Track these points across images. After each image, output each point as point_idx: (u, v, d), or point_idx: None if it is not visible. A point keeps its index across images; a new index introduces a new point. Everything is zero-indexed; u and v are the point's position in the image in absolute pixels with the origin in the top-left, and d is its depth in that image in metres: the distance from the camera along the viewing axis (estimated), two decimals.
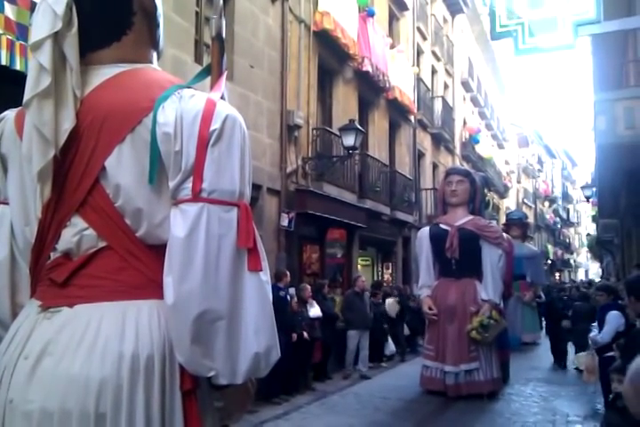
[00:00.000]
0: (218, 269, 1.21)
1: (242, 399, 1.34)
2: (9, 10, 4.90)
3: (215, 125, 1.24)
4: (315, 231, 11.30)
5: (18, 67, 4.92)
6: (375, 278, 14.26)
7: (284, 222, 9.47)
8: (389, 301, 10.73)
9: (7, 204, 1.43)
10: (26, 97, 1.27)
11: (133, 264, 1.28)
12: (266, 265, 1.29)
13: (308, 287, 8.61)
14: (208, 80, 1.48)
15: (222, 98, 1.33)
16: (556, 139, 47.82)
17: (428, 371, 7.62)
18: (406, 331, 11.34)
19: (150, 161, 1.24)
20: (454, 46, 22.76)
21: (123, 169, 1.26)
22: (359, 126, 11.13)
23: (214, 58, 1.47)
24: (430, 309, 7.66)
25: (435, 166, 19.97)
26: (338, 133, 11.26)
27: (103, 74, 1.34)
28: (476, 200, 7.76)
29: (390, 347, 10.69)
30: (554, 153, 46.16)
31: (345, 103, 12.91)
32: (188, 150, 1.23)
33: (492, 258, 7.49)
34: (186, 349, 1.22)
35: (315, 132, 11.29)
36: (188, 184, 1.23)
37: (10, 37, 4.89)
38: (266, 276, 1.28)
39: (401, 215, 15.10)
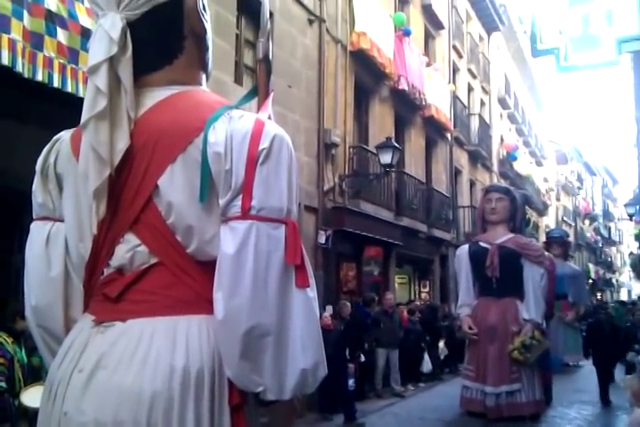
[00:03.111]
0: (266, 285, 1.23)
1: (288, 415, 1.35)
2: (61, 35, 5.07)
3: (264, 145, 1.27)
4: (351, 249, 11.27)
5: (69, 89, 5.07)
6: (412, 297, 14.12)
7: (322, 240, 9.48)
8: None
9: (62, 221, 1.48)
10: (83, 118, 1.32)
11: (184, 280, 1.31)
12: (313, 282, 1.30)
13: (348, 305, 8.59)
14: (255, 102, 1.52)
15: (269, 118, 1.36)
16: (595, 156, 46.98)
17: (468, 392, 7.45)
18: (445, 351, 11.17)
19: (201, 179, 1.28)
20: (490, 64, 22.67)
21: (175, 188, 1.30)
22: (396, 144, 11.12)
23: (261, 79, 1.50)
24: (470, 328, 7.52)
25: (472, 184, 19.79)
26: (374, 151, 11.27)
27: (156, 96, 1.38)
28: (516, 218, 7.63)
29: (427, 365, 10.53)
30: (594, 170, 45.35)
31: (381, 121, 12.94)
32: (238, 169, 1.26)
33: (533, 277, 7.33)
34: (235, 364, 1.23)
35: (351, 150, 11.32)
36: (238, 202, 1.26)
37: (62, 61, 5.05)
38: (313, 292, 1.29)
39: (438, 233, 14.97)
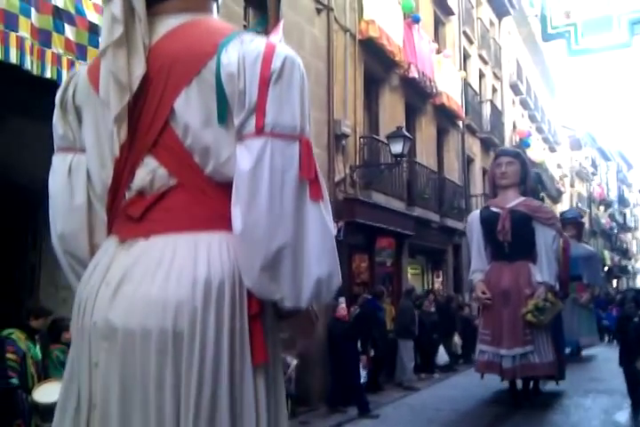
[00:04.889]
0: (282, 198, 1.28)
1: (305, 328, 1.44)
2: (69, 31, 5.06)
3: (276, 65, 1.31)
4: (363, 240, 11.24)
5: None
6: (425, 287, 14.08)
7: (334, 232, 9.43)
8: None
9: (83, 152, 1.54)
10: (102, 46, 1.38)
11: (203, 199, 1.37)
12: (326, 196, 1.36)
13: (369, 297, 8.61)
14: None
15: (280, 41, 1.41)
16: (610, 141, 46.42)
17: (484, 356, 7.42)
18: (459, 341, 11.15)
19: (217, 100, 1.33)
20: (502, 49, 22.41)
21: (190, 110, 1.34)
22: (407, 133, 11.04)
23: (272, 5, 1.57)
24: (484, 293, 7.47)
25: (485, 172, 19.63)
26: (385, 141, 11.20)
27: (169, 23, 1.42)
28: (527, 182, 7.58)
29: (443, 357, 10.52)
30: (608, 155, 44.86)
31: (392, 110, 12.85)
32: (251, 89, 1.30)
33: (545, 239, 7.28)
34: (254, 274, 1.29)
35: (362, 140, 11.26)
36: (252, 120, 1.30)
37: (70, 57, 5.04)
38: (326, 206, 1.35)
39: (451, 223, 14.89)
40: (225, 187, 1.34)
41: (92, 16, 5.28)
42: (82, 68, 1.56)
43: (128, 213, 1.41)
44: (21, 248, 5.60)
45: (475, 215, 8.04)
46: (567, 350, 9.92)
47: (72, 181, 1.54)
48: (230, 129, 1.33)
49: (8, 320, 4.86)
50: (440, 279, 15.48)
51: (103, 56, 1.37)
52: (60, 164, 1.56)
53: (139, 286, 1.31)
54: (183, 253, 1.32)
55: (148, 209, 1.39)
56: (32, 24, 4.83)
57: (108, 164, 1.44)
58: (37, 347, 4.87)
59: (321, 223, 1.32)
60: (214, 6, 1.54)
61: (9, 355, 4.56)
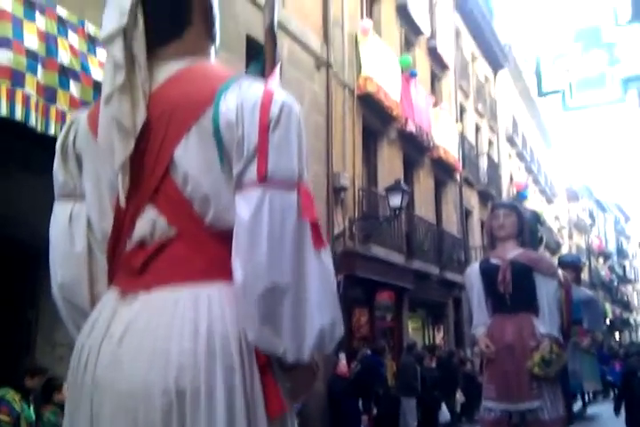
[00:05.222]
0: (282, 247, 1.26)
1: (307, 380, 1.40)
2: (74, 88, 5.12)
3: (274, 112, 1.30)
4: (363, 294, 11.13)
5: None
6: (426, 342, 13.85)
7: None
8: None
9: (83, 199, 1.52)
10: (105, 92, 1.37)
11: (203, 249, 1.35)
12: (327, 244, 1.33)
13: (369, 352, 8.45)
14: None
15: (278, 86, 1.41)
16: (606, 192, 46.84)
17: (490, 414, 7.15)
18: (461, 398, 10.88)
19: (217, 148, 1.32)
20: (497, 103, 22.87)
21: (190, 158, 1.33)
22: (405, 186, 11.11)
23: (268, 49, 1.57)
24: (488, 347, 7.32)
25: (483, 224, 19.68)
26: (384, 194, 11.25)
27: (168, 69, 1.42)
28: (524, 233, 7.56)
29: (445, 415, 10.24)
30: (605, 207, 45.15)
31: (390, 164, 12.97)
32: (250, 137, 1.29)
33: (548, 290, 7.13)
34: (255, 327, 1.27)
35: (361, 193, 11.32)
36: (251, 169, 1.29)
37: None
38: (328, 253, 1.32)
39: (450, 275, 14.80)
40: (225, 235, 1.32)
41: (97, 73, 5.37)
42: (82, 114, 1.54)
43: (129, 265, 1.39)
44: (19, 305, 5.51)
45: (474, 268, 7.97)
46: (575, 408, 9.65)
47: (72, 229, 1.52)
48: (228, 176, 1.32)
49: (3, 379, 4.74)
50: (441, 334, 15.25)
51: (107, 102, 1.36)
52: (60, 211, 1.55)
53: (141, 341, 1.28)
54: (184, 306, 1.29)
55: (148, 260, 1.36)
56: (38, 81, 4.90)
57: (108, 212, 1.43)
58: (31, 408, 4.73)
59: (322, 271, 1.30)
60: (212, 49, 1.55)
61: (2, 416, 4.45)
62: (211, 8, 1.53)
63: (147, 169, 1.37)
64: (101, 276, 1.51)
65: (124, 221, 1.40)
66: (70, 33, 5.26)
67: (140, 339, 1.29)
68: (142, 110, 1.35)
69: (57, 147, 1.54)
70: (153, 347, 1.27)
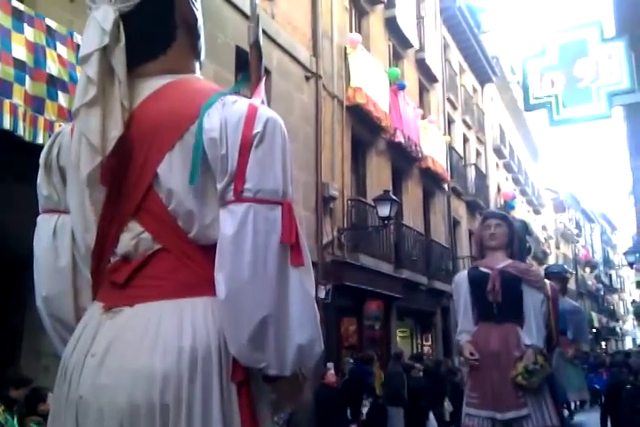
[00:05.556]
0: (265, 264, 1.27)
1: (292, 391, 1.40)
2: (62, 98, 5.14)
3: (257, 128, 1.30)
4: (351, 303, 11.14)
5: None
6: (414, 351, 13.86)
7: (321, 295, 9.36)
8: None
9: (68, 213, 1.51)
10: (74, 107, 1.36)
11: (187, 264, 1.35)
12: (309, 260, 1.34)
13: (351, 361, 8.43)
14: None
15: (262, 102, 1.39)
16: (593, 203, 47.23)
17: (473, 420, 7.14)
18: (450, 407, 10.88)
19: (192, 163, 1.31)
20: (485, 114, 23.06)
21: (174, 175, 1.33)
22: (394, 197, 11.17)
23: (253, 64, 1.54)
24: (472, 354, 7.34)
25: (471, 234, 19.77)
26: (372, 204, 11.31)
27: (151, 85, 1.41)
28: (514, 244, 7.61)
29: (432, 424, 10.23)
30: (592, 217, 45.48)
31: (379, 174, 13.04)
32: (233, 153, 1.29)
33: (534, 302, 7.18)
34: (238, 342, 1.27)
35: (349, 203, 11.36)
36: (234, 186, 1.29)
37: (62, 124, 5.08)
38: (308, 270, 1.33)
39: (439, 285, 14.85)
40: (209, 250, 1.33)
41: None
42: (66, 128, 1.54)
43: (113, 280, 1.38)
44: (3, 313, 5.48)
45: (462, 275, 7.99)
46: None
47: (57, 243, 1.52)
48: (212, 193, 1.33)
49: None
50: (429, 342, 15.27)
51: (76, 117, 1.36)
52: (44, 225, 1.54)
53: (124, 357, 1.28)
54: (168, 321, 1.29)
55: (132, 275, 1.36)
56: (26, 91, 4.92)
57: (91, 227, 1.42)
58: (15, 419, 4.68)
59: (302, 289, 1.31)
60: (197, 65, 1.54)
61: None
62: (195, 23, 1.51)
63: (130, 184, 1.36)
64: (85, 289, 1.50)
65: (107, 235, 1.40)
66: (59, 44, 5.29)
67: (123, 356, 1.28)
68: (118, 125, 1.33)
69: (41, 160, 1.54)
70: (136, 367, 1.26)
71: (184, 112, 1.34)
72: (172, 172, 1.33)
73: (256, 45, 1.53)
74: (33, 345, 5.36)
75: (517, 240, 7.96)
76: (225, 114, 1.31)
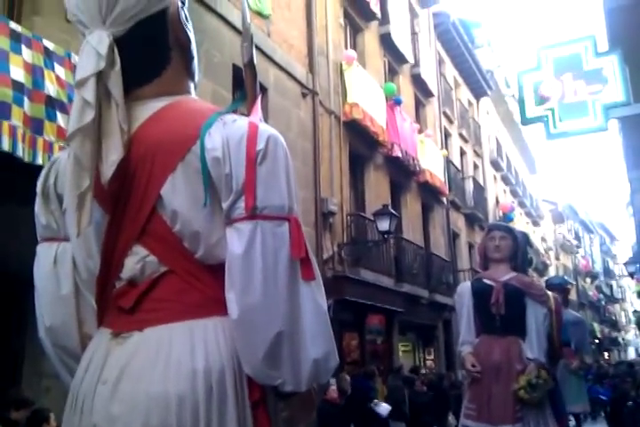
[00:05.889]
0: (276, 281, 1.26)
1: (306, 408, 1.38)
2: (61, 119, 5.16)
3: (260, 146, 1.31)
4: (353, 318, 11.10)
5: None
6: (417, 364, 13.78)
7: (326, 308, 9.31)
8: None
9: (67, 241, 1.49)
10: (69, 130, 1.33)
11: (195, 285, 1.34)
12: (318, 274, 1.34)
13: (348, 378, 8.35)
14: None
15: (260, 120, 1.39)
16: (591, 214, 47.24)
17: None
18: (454, 421, 10.79)
19: (204, 185, 1.31)
20: (481, 128, 23.17)
21: (177, 196, 1.32)
22: (393, 211, 11.19)
23: (248, 83, 1.53)
24: (474, 366, 7.28)
25: (470, 246, 19.77)
26: (372, 218, 11.32)
27: (149, 108, 1.40)
28: (517, 257, 7.58)
29: None
30: (590, 228, 45.50)
31: (377, 188, 13.07)
32: (237, 172, 1.29)
33: (537, 316, 7.14)
34: (253, 360, 1.26)
35: (349, 217, 11.37)
36: (241, 203, 1.29)
37: (62, 144, 5.12)
38: (319, 284, 1.33)
39: (440, 298, 14.81)
40: (216, 270, 1.32)
41: None
42: (62, 155, 1.52)
43: (119, 305, 1.36)
44: (5, 334, 5.45)
45: (466, 286, 7.95)
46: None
47: (58, 270, 1.50)
48: (218, 212, 1.32)
49: None
50: (431, 356, 15.19)
51: (71, 141, 1.33)
52: (44, 254, 1.53)
53: (137, 383, 1.26)
54: (180, 344, 1.28)
55: (140, 299, 1.34)
56: (25, 113, 4.94)
57: (94, 253, 1.40)
58: None
59: (314, 303, 1.30)
60: (192, 86, 1.54)
61: None
62: (188, 45, 1.51)
63: (133, 207, 1.35)
64: (90, 316, 1.49)
65: (111, 260, 1.38)
66: (57, 65, 5.32)
67: (135, 382, 1.26)
68: (118, 148, 1.32)
69: (38, 189, 1.53)
70: (150, 392, 1.25)
71: (184, 133, 1.34)
72: (176, 193, 1.32)
73: (250, 64, 1.53)
74: (34, 367, 5.33)
75: (522, 253, 7.95)
76: (226, 133, 1.32)
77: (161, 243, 1.34)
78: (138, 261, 1.35)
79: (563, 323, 9.26)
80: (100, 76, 1.33)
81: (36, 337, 1.57)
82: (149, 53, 1.44)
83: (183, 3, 1.52)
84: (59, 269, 1.50)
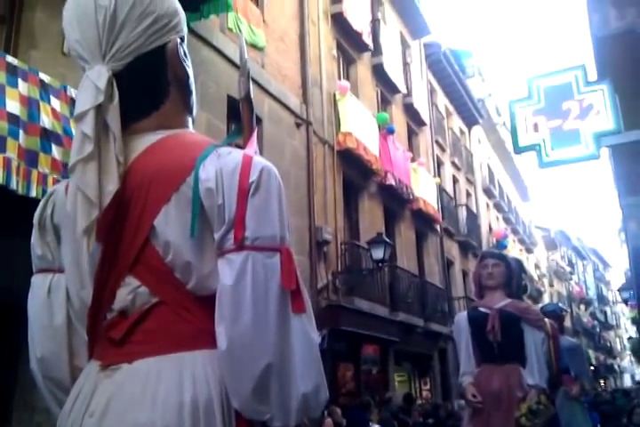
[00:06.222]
0: (266, 313, 1.24)
1: None
2: (56, 151, 5.17)
3: (253, 177, 1.30)
4: (348, 348, 11.00)
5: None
6: (413, 395, 13.62)
7: (317, 341, 9.23)
8: None
9: (62, 272, 1.49)
10: (71, 162, 1.35)
11: (186, 316, 1.33)
12: (309, 306, 1.32)
13: (339, 411, 8.23)
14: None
15: (256, 153, 1.40)
16: (584, 240, 47.38)
17: None
18: None
19: (192, 215, 1.31)
20: (473, 156, 23.37)
21: (170, 227, 1.32)
22: (387, 239, 11.18)
23: (245, 117, 1.56)
24: (475, 396, 7.20)
25: (465, 274, 19.74)
26: (366, 247, 11.30)
27: (145, 141, 1.41)
28: (512, 283, 7.57)
29: None
30: (583, 254, 45.59)
31: (371, 216, 13.09)
32: (230, 203, 1.29)
33: (535, 341, 7.08)
34: (241, 393, 1.24)
35: (343, 246, 11.36)
36: (232, 234, 1.28)
37: (56, 177, 5.11)
38: (309, 317, 1.31)
39: (435, 327, 14.72)
40: (208, 301, 1.30)
41: None
42: (59, 187, 1.53)
43: (110, 336, 1.36)
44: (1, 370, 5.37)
45: (462, 316, 7.93)
46: None
47: (51, 301, 1.49)
48: (210, 243, 1.31)
49: None
50: (427, 386, 15.02)
51: (72, 172, 1.34)
52: (39, 284, 1.52)
53: (123, 416, 1.25)
54: (168, 376, 1.26)
55: (130, 330, 1.33)
56: (19, 145, 4.94)
57: (87, 283, 1.39)
58: None
59: (305, 336, 1.28)
60: (189, 120, 1.55)
61: None
62: (187, 79, 1.52)
63: (126, 238, 1.36)
64: (81, 348, 1.48)
65: (104, 291, 1.38)
66: (52, 98, 5.34)
67: (122, 414, 1.25)
68: (114, 179, 1.33)
69: (34, 220, 1.54)
70: (136, 422, 1.23)
71: (180, 164, 1.35)
72: (169, 224, 1.33)
73: (247, 99, 1.56)
74: (25, 401, 5.23)
75: (516, 279, 7.93)
76: (220, 164, 1.32)
77: (153, 274, 1.34)
78: (129, 291, 1.35)
79: (560, 349, 9.22)
80: (99, 110, 1.35)
81: (28, 371, 1.56)
82: (148, 88, 1.46)
83: (182, 39, 1.54)
84: (52, 299, 1.50)
